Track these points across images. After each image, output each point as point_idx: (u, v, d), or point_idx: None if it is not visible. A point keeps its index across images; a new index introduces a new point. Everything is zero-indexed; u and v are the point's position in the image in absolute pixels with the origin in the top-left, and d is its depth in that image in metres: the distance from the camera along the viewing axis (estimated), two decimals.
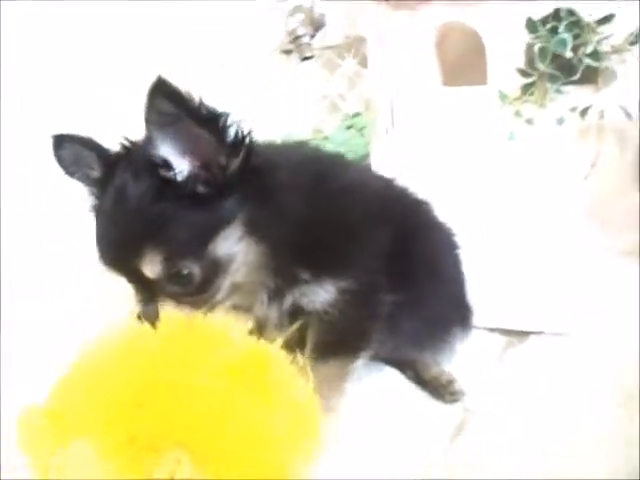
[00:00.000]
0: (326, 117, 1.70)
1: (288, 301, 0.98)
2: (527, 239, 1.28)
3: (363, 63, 1.61)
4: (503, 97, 1.31)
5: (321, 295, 0.96)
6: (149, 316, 0.85)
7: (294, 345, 1.00)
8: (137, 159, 0.85)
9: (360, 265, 0.97)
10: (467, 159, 1.35)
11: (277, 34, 1.64)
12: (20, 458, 0.87)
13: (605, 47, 1.21)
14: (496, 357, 1.21)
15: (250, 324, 1.16)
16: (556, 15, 1.24)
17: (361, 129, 1.42)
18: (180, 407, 0.67)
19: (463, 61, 1.45)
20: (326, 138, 1.36)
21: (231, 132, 0.83)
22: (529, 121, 1.27)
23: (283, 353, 0.82)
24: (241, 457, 0.65)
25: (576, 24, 1.22)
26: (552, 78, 1.25)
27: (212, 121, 0.81)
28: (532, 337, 1.24)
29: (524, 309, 1.27)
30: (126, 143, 0.87)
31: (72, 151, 0.91)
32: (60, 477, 0.66)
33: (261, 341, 0.83)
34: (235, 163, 0.85)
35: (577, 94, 1.25)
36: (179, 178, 0.83)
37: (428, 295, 1.06)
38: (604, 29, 1.20)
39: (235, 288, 0.91)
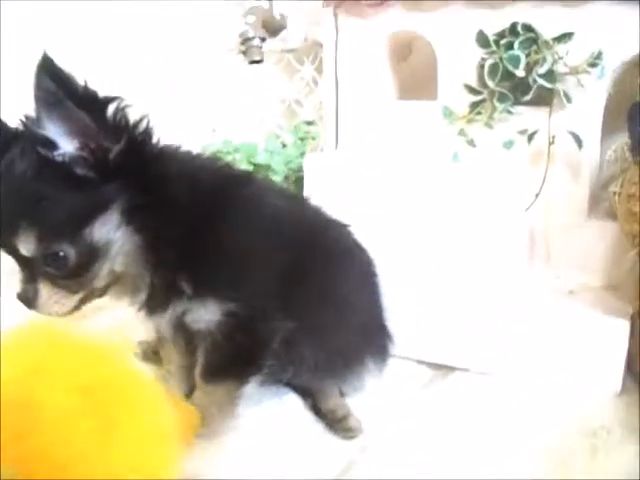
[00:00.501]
0: (283, 122, 1.62)
1: (172, 314, 0.92)
2: (465, 270, 1.17)
3: (320, 69, 1.53)
4: (449, 114, 1.21)
5: (205, 316, 0.90)
6: (25, 296, 0.86)
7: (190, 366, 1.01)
8: (26, 136, 0.81)
9: (249, 288, 0.90)
10: (409, 179, 1.24)
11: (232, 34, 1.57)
12: None
13: (561, 68, 1.12)
14: (419, 389, 1.12)
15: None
16: (513, 30, 1.14)
17: (315, 139, 1.33)
18: (21, 422, 0.62)
19: (424, 74, 1.36)
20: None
21: (113, 117, 0.80)
22: (471, 142, 1.17)
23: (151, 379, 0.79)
24: None
25: (533, 41, 1.13)
26: (502, 97, 1.15)
27: (92, 104, 0.79)
28: (457, 373, 1.14)
29: (451, 345, 1.16)
30: (24, 119, 0.82)
31: None
32: None
33: (134, 364, 0.80)
34: (117, 149, 0.81)
35: (528, 116, 1.15)
36: (59, 159, 0.80)
37: (331, 323, 0.98)
38: (561, 47, 1.11)
39: (115, 277, 0.88)
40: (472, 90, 1.17)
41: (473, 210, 1.15)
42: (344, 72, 1.35)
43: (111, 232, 0.83)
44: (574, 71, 1.11)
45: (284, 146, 1.41)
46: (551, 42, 1.11)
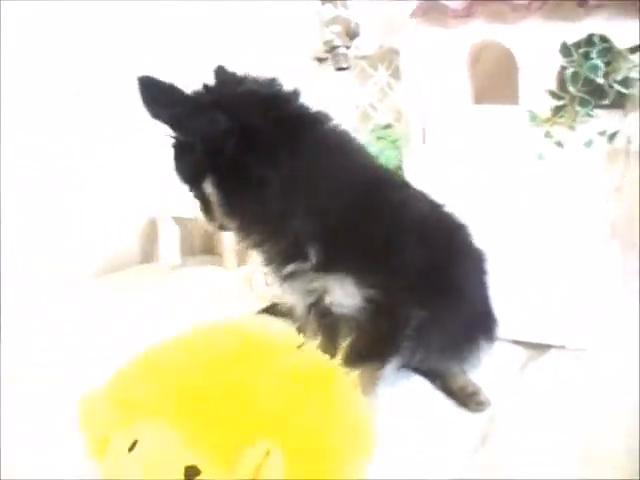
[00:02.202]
0: (358, 126, 1.74)
1: (301, 285, 1.08)
2: (553, 256, 1.32)
3: (395, 75, 1.66)
4: (534, 118, 1.35)
5: (346, 300, 1.04)
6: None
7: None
8: None
9: (392, 278, 1.03)
10: (496, 176, 1.39)
11: (311, 41, 1.69)
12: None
13: (635, 74, 1.25)
14: (518, 368, 1.26)
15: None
16: (589, 40, 1.28)
17: (394, 141, 1.46)
18: (248, 406, 0.70)
19: (494, 80, 1.49)
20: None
21: None
22: (558, 143, 1.31)
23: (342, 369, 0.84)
24: (300, 462, 0.67)
25: (608, 50, 1.26)
26: (583, 102, 1.29)
27: None
28: (553, 351, 1.28)
29: (547, 323, 1.32)
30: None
31: None
32: (124, 454, 0.70)
33: (321, 354, 0.85)
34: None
35: (606, 118, 1.29)
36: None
37: (456, 312, 1.12)
38: (635, 57, 1.24)
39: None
40: (555, 95, 1.31)
41: (562, 200, 1.32)
42: (425, 78, 1.49)
43: None
44: None
45: None
46: (624, 52, 1.25)
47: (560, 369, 1.24)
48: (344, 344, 1.00)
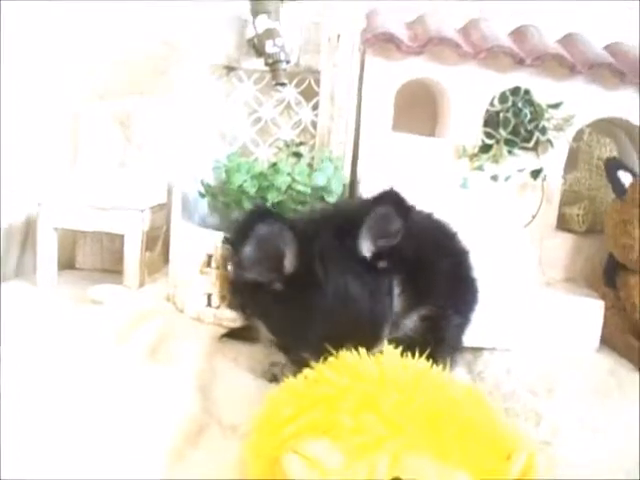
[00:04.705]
0: (258, 139, 1.72)
1: None
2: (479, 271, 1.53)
3: (305, 94, 1.68)
4: (464, 151, 1.55)
5: (408, 324, 1.08)
6: None
7: None
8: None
9: (435, 292, 1.10)
10: (422, 201, 1.54)
11: (224, 47, 1.61)
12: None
13: (549, 124, 1.54)
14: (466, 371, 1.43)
15: None
16: (515, 91, 1.52)
17: (338, 164, 1.48)
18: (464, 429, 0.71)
19: (409, 110, 1.64)
20: (317, 170, 1.41)
21: None
22: (494, 177, 1.56)
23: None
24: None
25: (530, 102, 1.52)
26: (509, 142, 1.53)
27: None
28: (485, 353, 1.49)
29: (480, 330, 1.51)
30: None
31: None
32: None
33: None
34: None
35: (524, 158, 1.56)
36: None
37: (467, 306, 1.24)
38: (553, 112, 1.53)
39: None
40: (489, 135, 1.52)
41: (485, 226, 1.52)
42: (349, 102, 1.56)
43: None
44: (558, 127, 1.54)
45: (274, 164, 1.49)
46: (544, 106, 1.53)
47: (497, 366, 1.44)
48: None
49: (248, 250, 0.88)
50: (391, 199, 0.90)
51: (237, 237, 0.88)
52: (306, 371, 0.81)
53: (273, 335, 0.97)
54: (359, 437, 0.67)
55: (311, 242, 0.91)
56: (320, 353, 0.85)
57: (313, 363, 0.82)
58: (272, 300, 0.92)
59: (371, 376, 0.77)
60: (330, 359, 0.83)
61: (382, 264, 0.94)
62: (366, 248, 0.92)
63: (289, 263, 0.89)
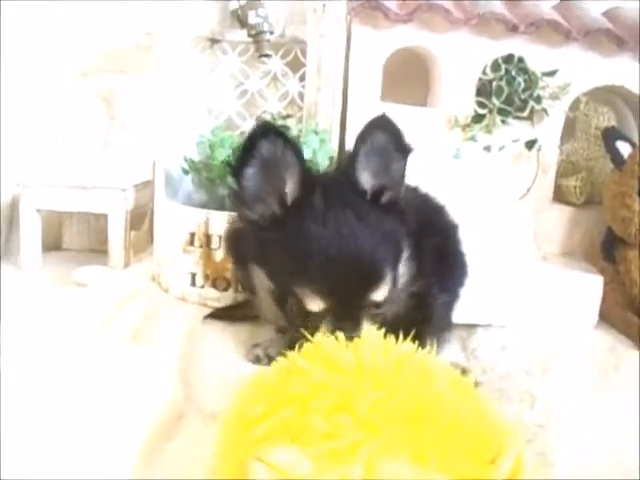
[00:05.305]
0: (244, 112, 1.67)
1: None
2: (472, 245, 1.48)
3: (292, 65, 1.63)
4: (456, 122, 1.49)
5: (398, 303, 1.03)
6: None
7: None
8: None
9: (422, 268, 1.06)
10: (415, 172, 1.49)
11: (207, 19, 1.55)
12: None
13: (544, 93, 1.48)
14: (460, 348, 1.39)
15: None
16: (509, 59, 1.46)
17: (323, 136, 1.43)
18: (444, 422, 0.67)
19: (400, 79, 1.58)
20: (303, 143, 1.36)
21: None
22: (487, 147, 1.49)
23: None
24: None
25: (524, 70, 1.46)
26: (502, 112, 1.47)
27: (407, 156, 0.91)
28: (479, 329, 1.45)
29: (474, 306, 1.47)
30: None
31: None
32: None
33: None
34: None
35: (517, 127, 1.50)
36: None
37: (455, 280, 1.21)
38: (548, 80, 1.47)
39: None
40: (481, 104, 1.46)
41: (479, 197, 1.48)
42: (336, 72, 1.51)
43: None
44: (553, 96, 1.48)
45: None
46: (539, 74, 1.47)
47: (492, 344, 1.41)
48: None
49: (250, 172, 0.86)
50: (384, 125, 0.87)
51: (240, 158, 0.87)
52: (280, 360, 0.76)
53: (271, 279, 0.92)
54: (331, 442, 0.62)
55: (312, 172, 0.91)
56: (319, 287, 0.84)
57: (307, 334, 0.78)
58: (272, 236, 0.89)
59: (348, 366, 0.72)
60: (305, 346, 0.77)
61: (385, 199, 0.91)
62: (364, 179, 0.89)
63: (291, 190, 0.87)
